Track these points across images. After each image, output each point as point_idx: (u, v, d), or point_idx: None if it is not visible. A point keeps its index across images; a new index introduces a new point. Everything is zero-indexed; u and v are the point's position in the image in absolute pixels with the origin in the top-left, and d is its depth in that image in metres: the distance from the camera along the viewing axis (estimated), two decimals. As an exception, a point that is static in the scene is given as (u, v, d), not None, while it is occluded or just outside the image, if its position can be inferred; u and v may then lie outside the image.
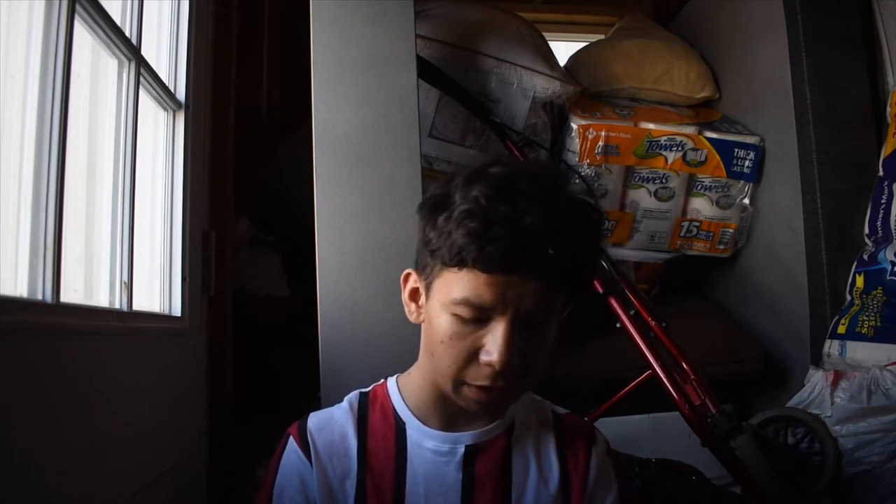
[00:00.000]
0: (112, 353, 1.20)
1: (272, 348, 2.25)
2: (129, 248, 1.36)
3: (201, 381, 1.76)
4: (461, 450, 0.84)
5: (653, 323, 1.69)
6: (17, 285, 0.98)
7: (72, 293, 1.14)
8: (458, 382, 0.76)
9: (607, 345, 1.89)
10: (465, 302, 0.72)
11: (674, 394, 1.56)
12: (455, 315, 0.74)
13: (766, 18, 2.16)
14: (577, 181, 2.11)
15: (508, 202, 0.70)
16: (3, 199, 0.98)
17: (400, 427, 0.85)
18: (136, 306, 1.38)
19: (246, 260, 2.36)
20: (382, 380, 0.91)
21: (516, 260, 0.70)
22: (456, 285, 0.73)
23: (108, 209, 1.34)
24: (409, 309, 0.83)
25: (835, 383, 1.74)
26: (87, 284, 1.29)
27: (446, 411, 0.84)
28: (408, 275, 0.82)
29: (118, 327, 1.27)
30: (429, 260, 0.76)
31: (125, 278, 1.34)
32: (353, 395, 0.89)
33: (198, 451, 1.70)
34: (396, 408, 0.86)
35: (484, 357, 0.73)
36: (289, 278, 2.40)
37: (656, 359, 1.60)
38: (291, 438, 0.85)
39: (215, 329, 1.90)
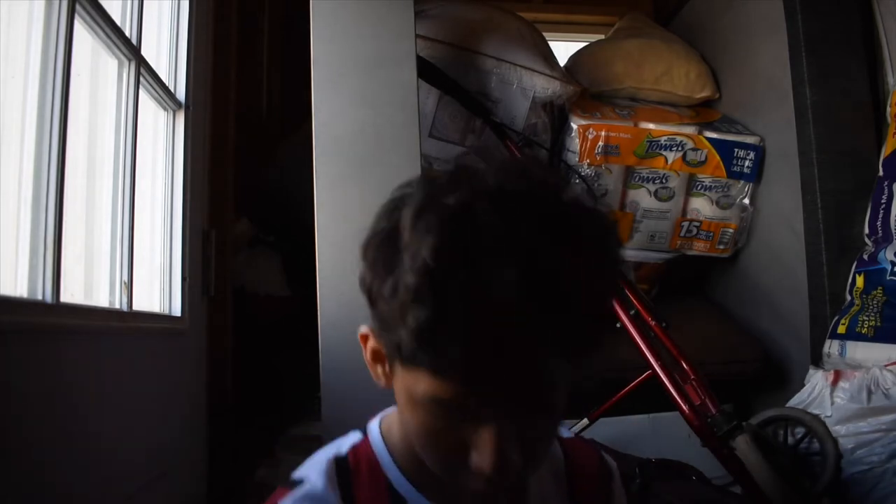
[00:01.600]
0: (112, 353, 1.20)
1: (272, 348, 2.26)
2: (129, 248, 1.36)
3: (201, 381, 1.75)
4: None
5: (653, 323, 1.68)
6: (17, 285, 0.98)
7: (69, 296, 1.14)
8: (451, 481, 0.58)
9: (607, 345, 1.89)
10: (434, 401, 0.54)
11: (674, 394, 1.56)
12: (427, 412, 0.55)
13: (766, 18, 2.16)
14: (578, 181, 2.11)
15: (468, 261, 0.49)
16: (3, 199, 0.98)
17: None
18: (136, 306, 1.38)
19: (246, 260, 2.36)
20: (360, 434, 0.66)
21: (486, 361, 0.50)
22: (419, 381, 0.54)
23: (108, 209, 1.34)
24: (375, 373, 0.61)
25: (835, 383, 1.74)
26: (87, 284, 1.29)
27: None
28: (364, 336, 0.61)
29: (118, 327, 1.27)
30: (381, 333, 0.56)
31: (125, 278, 1.34)
32: (329, 466, 0.63)
33: (198, 451, 1.70)
34: (391, 478, 0.63)
35: (475, 460, 0.55)
36: (289, 278, 2.40)
37: (656, 359, 1.60)
38: None
39: (215, 329, 1.90)
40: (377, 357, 0.60)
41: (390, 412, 0.66)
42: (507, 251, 0.49)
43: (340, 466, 0.63)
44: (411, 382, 0.55)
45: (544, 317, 0.49)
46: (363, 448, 0.64)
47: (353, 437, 0.66)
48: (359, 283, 0.56)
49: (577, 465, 0.72)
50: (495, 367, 0.50)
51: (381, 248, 0.54)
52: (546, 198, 0.52)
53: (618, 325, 1.66)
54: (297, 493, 0.62)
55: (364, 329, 0.61)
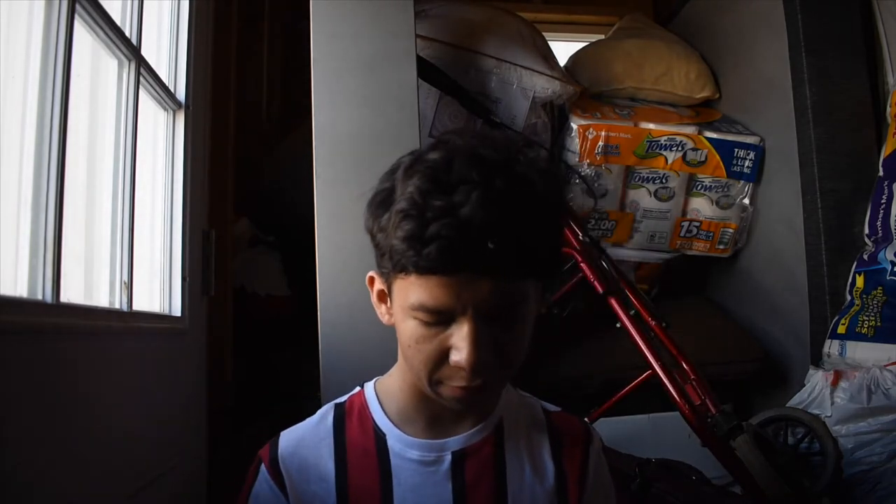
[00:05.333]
0: (112, 353, 1.19)
1: (272, 348, 2.26)
2: (129, 248, 1.35)
3: (201, 381, 1.75)
4: (448, 457, 0.77)
5: (653, 323, 1.69)
6: (17, 285, 0.98)
7: (69, 297, 1.13)
8: (435, 383, 0.72)
9: (607, 345, 1.89)
10: (421, 307, 0.68)
11: (674, 394, 1.57)
12: (417, 319, 0.69)
13: (766, 18, 2.16)
14: (577, 182, 2.11)
15: (444, 193, 0.65)
16: (3, 199, 0.98)
17: (380, 438, 0.78)
18: (136, 306, 1.38)
19: (246, 260, 2.36)
20: (358, 388, 0.84)
21: (457, 259, 0.64)
22: (410, 290, 0.68)
23: (108, 209, 1.34)
24: (380, 311, 0.77)
25: (835, 383, 1.74)
26: (87, 284, 1.29)
27: (430, 414, 0.78)
28: (371, 278, 0.77)
29: (118, 327, 1.27)
30: (382, 262, 0.71)
31: (125, 278, 1.34)
32: (328, 408, 0.83)
33: (198, 451, 1.70)
34: (375, 417, 0.80)
35: (453, 357, 0.68)
36: (289, 278, 2.40)
37: (656, 359, 1.60)
38: (263, 466, 0.78)
39: (215, 329, 1.90)
40: (381, 297, 0.75)
41: (384, 376, 0.83)
42: (469, 189, 0.64)
43: (338, 409, 0.82)
44: (405, 296, 0.69)
45: (494, 229, 0.64)
46: (358, 397, 0.83)
47: (354, 390, 0.85)
48: (365, 229, 0.73)
49: (559, 428, 0.84)
50: (461, 261, 0.64)
51: (380, 198, 0.71)
52: (498, 154, 0.68)
53: (618, 325, 1.66)
54: (296, 429, 0.81)
55: (371, 272, 0.76)
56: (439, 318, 0.68)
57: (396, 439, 0.78)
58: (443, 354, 0.69)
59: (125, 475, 1.19)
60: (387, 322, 0.76)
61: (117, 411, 1.18)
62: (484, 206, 0.64)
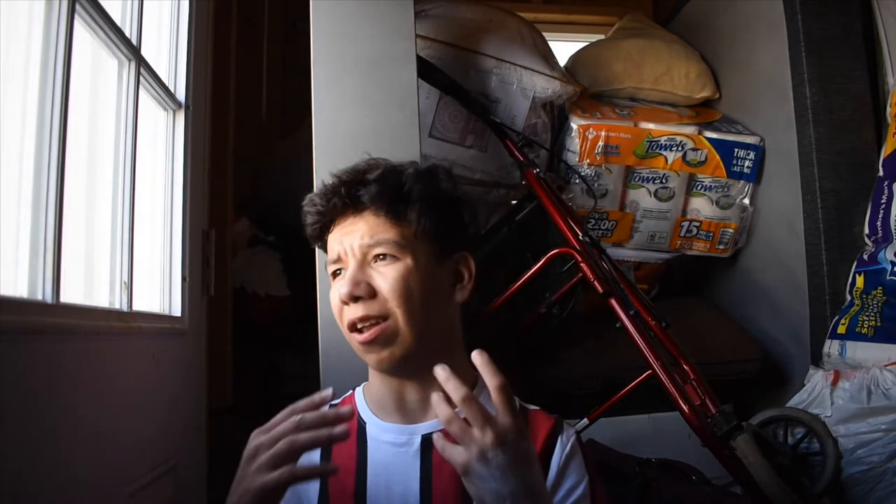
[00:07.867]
0: (112, 353, 1.20)
1: (272, 348, 2.26)
2: (129, 248, 1.36)
3: (201, 381, 1.75)
4: (417, 439, 0.90)
5: (653, 323, 1.68)
6: (17, 285, 0.98)
7: (69, 296, 1.13)
8: (348, 331, 0.90)
9: (607, 345, 1.89)
10: (330, 262, 0.93)
11: (674, 394, 1.56)
12: (332, 277, 0.93)
13: (766, 18, 2.16)
14: (577, 182, 2.11)
15: (324, 195, 0.95)
16: (3, 199, 0.98)
17: (361, 426, 0.94)
18: (136, 306, 1.38)
19: (246, 260, 2.36)
20: (352, 390, 1.01)
21: (333, 196, 0.92)
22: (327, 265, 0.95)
23: (108, 209, 1.34)
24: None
25: (835, 383, 1.74)
26: (87, 284, 1.29)
27: (401, 403, 0.93)
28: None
29: (118, 327, 1.27)
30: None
31: (125, 278, 1.34)
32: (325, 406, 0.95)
33: (198, 451, 1.70)
34: (359, 409, 0.96)
35: (340, 290, 0.89)
36: (289, 278, 2.40)
37: (656, 359, 1.60)
38: None
39: (215, 329, 1.90)
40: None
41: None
42: (339, 187, 0.95)
43: (332, 406, 0.93)
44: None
45: (360, 173, 0.95)
46: (350, 396, 1.01)
47: (348, 392, 1.02)
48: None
49: (533, 422, 0.94)
50: (333, 197, 0.94)
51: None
52: (372, 168, 0.97)
53: (617, 325, 1.66)
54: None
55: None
56: (338, 270, 0.92)
57: (374, 425, 0.94)
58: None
59: (125, 475, 1.19)
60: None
61: (117, 411, 1.18)
62: (359, 169, 0.95)
